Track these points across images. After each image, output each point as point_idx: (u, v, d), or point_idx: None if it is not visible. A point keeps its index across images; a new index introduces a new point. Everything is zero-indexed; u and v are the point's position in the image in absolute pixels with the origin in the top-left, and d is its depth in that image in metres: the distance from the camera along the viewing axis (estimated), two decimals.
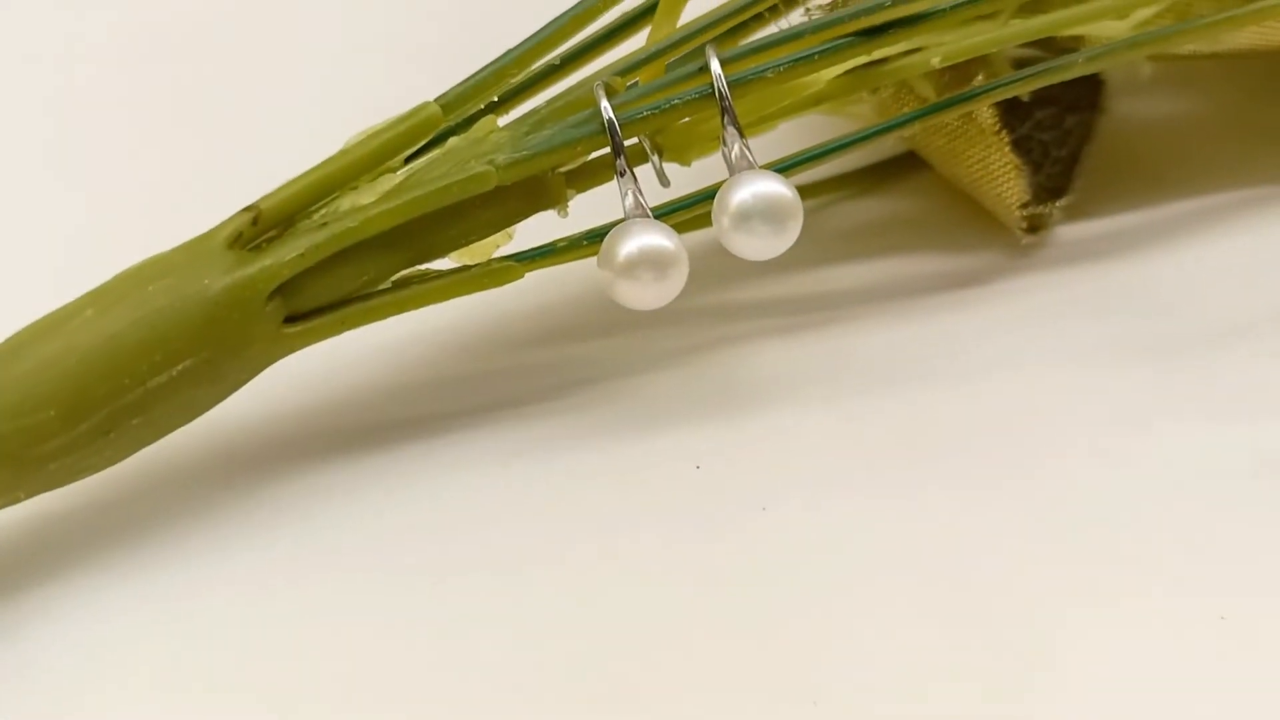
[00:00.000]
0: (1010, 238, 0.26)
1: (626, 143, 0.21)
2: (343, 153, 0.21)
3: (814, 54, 0.22)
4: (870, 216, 0.27)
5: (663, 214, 0.22)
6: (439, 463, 0.22)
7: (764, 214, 0.21)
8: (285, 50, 0.31)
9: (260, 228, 0.20)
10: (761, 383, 0.24)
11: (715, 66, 0.22)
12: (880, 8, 0.22)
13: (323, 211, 0.21)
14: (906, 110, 0.25)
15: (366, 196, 0.21)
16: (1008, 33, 0.24)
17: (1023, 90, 0.24)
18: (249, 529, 0.21)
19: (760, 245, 0.21)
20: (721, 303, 0.25)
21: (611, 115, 0.21)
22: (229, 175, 0.26)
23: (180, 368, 0.20)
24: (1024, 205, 0.25)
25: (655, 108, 0.22)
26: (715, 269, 0.24)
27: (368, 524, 0.21)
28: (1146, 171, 0.27)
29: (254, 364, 0.21)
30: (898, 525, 0.21)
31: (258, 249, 0.21)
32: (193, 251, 0.20)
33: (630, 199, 0.22)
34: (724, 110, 0.22)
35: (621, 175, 0.22)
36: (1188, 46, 0.24)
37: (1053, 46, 0.25)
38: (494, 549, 0.21)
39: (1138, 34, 0.24)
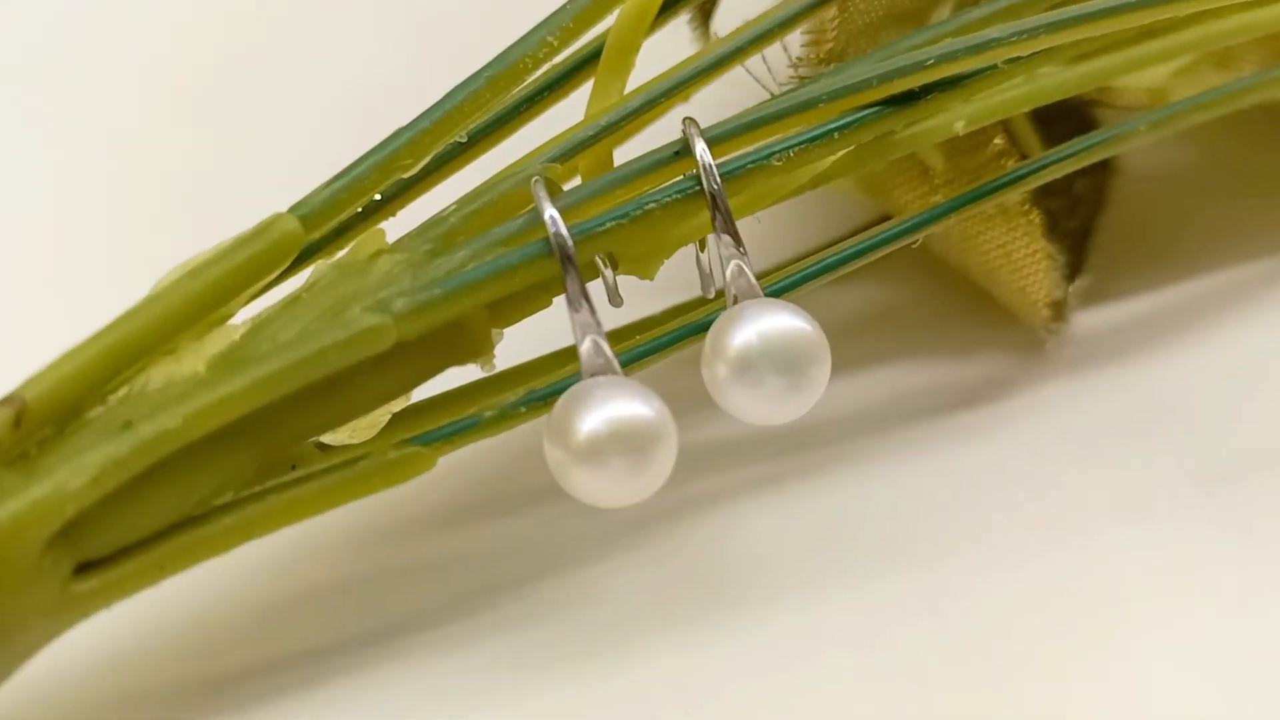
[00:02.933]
0: (1019, 329, 0.21)
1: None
2: (151, 299, 0.14)
3: (833, 130, 0.16)
4: (851, 309, 0.21)
5: (627, 361, 0.16)
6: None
7: (778, 362, 0.15)
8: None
9: (26, 430, 0.13)
10: (752, 565, 0.18)
11: (703, 153, 0.15)
12: (920, 67, 0.16)
13: (123, 393, 0.13)
14: (903, 180, 0.20)
15: (190, 364, 0.14)
16: (1040, 87, 0.18)
17: (1072, 168, 0.18)
18: None
19: (771, 407, 0.15)
20: (689, 445, 0.18)
21: (562, 229, 0.15)
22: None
23: None
24: (1052, 302, 0.20)
25: (621, 215, 0.15)
26: (676, 396, 0.18)
27: None
28: (1164, 238, 0.23)
29: (28, 647, 0.13)
30: None
31: (25, 462, 0.13)
32: None
33: (589, 345, 0.15)
34: (716, 213, 0.15)
35: (577, 311, 0.15)
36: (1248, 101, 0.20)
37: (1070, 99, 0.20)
38: None
39: (1201, 95, 0.19)
